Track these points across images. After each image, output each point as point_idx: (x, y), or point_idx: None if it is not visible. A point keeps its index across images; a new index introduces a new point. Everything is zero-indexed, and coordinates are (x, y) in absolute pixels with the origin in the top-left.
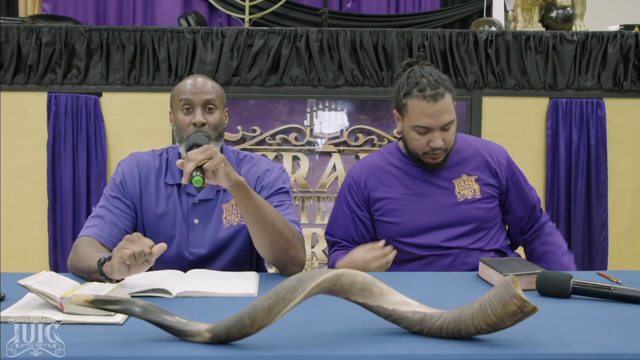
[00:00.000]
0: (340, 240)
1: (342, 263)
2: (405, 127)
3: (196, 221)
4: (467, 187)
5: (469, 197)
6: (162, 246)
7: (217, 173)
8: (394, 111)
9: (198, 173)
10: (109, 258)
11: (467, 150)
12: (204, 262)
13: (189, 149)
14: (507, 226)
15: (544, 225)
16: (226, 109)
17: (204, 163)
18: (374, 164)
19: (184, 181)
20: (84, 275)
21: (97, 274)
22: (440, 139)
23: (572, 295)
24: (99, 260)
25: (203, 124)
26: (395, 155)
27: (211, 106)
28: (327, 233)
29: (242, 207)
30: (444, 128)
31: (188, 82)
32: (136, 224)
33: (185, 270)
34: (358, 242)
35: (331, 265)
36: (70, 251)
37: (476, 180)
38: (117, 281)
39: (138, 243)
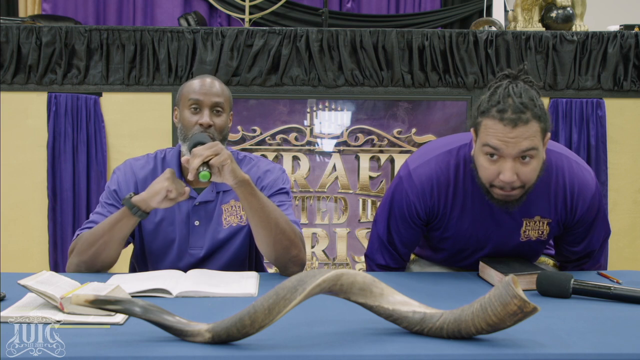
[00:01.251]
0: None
1: None
2: (477, 150)
3: (197, 223)
4: (535, 229)
5: (533, 239)
6: (188, 191)
7: (223, 169)
8: (471, 130)
9: (205, 168)
10: (133, 194)
11: (552, 186)
12: (202, 262)
13: (193, 147)
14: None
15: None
16: (231, 112)
17: (211, 159)
18: (439, 179)
19: (190, 177)
20: (100, 246)
21: (128, 217)
22: (513, 171)
23: (572, 295)
24: (125, 198)
25: (209, 126)
26: (466, 169)
27: (219, 109)
28: (388, 241)
29: (246, 204)
30: (520, 158)
31: (199, 82)
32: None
33: (184, 271)
34: (411, 247)
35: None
36: (69, 252)
37: (548, 224)
38: (146, 214)
39: (177, 184)
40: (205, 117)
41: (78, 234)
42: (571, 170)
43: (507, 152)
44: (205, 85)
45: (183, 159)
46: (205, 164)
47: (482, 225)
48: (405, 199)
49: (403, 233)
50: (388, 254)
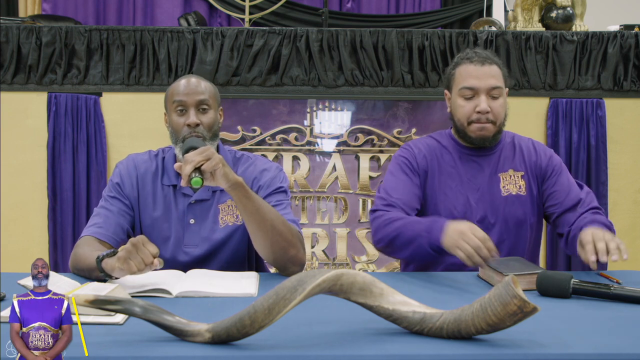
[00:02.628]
0: (396, 202)
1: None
2: (453, 97)
3: (192, 221)
4: (512, 183)
5: (514, 193)
6: (160, 262)
7: (215, 174)
8: (445, 92)
9: (197, 174)
10: (107, 255)
11: (516, 144)
12: (200, 262)
13: (186, 152)
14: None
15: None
16: (221, 107)
17: (202, 164)
18: (427, 143)
19: (183, 184)
20: (85, 274)
21: (97, 272)
22: (486, 103)
23: (572, 295)
24: (98, 257)
25: (197, 125)
26: (446, 140)
27: (205, 106)
28: (382, 196)
29: (241, 207)
30: (491, 95)
31: (181, 83)
32: (133, 223)
33: (184, 271)
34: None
35: (380, 224)
36: (72, 252)
37: (522, 177)
38: (117, 278)
39: (142, 251)
40: (192, 117)
41: (82, 235)
42: (518, 134)
43: (480, 86)
44: (188, 86)
45: (176, 165)
46: (197, 169)
47: (466, 182)
48: (405, 150)
49: (399, 181)
50: (384, 201)
